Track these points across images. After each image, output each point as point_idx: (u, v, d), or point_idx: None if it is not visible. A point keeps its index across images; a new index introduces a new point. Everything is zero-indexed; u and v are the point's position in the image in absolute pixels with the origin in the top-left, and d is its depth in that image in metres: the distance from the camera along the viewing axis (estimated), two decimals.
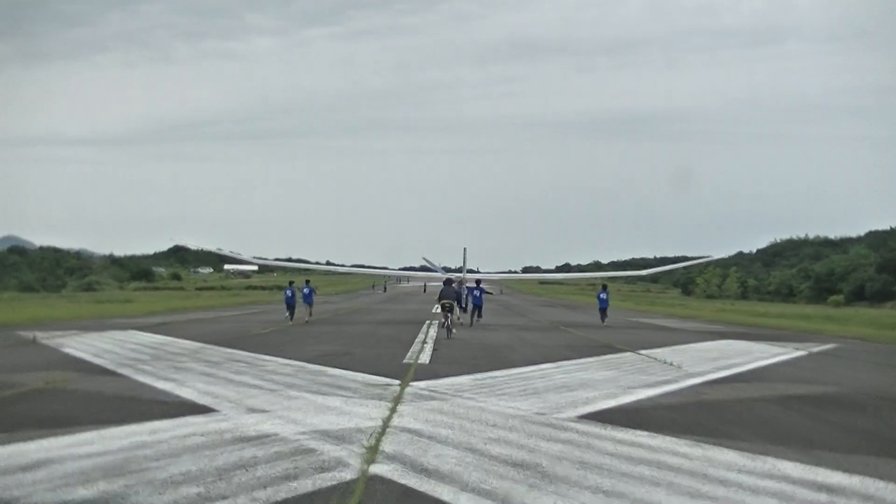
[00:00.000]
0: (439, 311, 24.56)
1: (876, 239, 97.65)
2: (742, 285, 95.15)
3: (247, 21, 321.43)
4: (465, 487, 5.88)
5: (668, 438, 7.94)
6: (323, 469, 6.34)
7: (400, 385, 11.58)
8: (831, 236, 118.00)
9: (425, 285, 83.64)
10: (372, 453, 6.90)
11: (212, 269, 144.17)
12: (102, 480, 5.90)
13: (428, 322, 29.60)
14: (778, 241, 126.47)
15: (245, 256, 57.98)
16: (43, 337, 20.13)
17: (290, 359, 15.28)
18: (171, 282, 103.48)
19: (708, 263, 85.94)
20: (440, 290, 24.96)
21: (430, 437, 7.67)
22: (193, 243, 64.42)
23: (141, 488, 5.71)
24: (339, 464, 6.52)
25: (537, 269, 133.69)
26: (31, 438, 7.37)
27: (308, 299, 30.63)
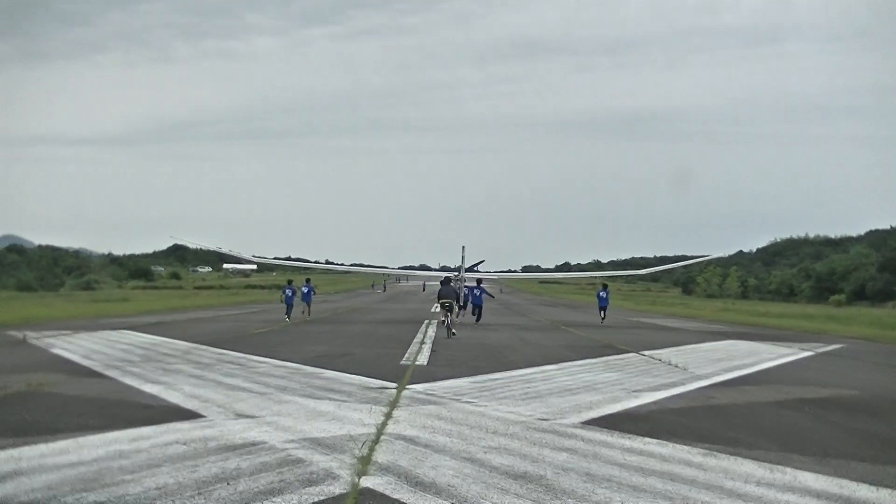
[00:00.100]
0: (439, 310, 24.14)
1: (876, 238, 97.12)
2: (742, 285, 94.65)
3: (247, 21, 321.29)
4: (463, 503, 5.44)
5: (679, 447, 7.49)
6: (310, 482, 5.88)
7: (396, 388, 11.12)
8: (831, 235, 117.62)
9: (424, 284, 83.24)
10: (364, 464, 6.44)
11: (211, 269, 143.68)
12: (70, 496, 5.44)
13: (427, 321, 29.14)
14: (778, 240, 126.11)
15: (244, 255, 57.51)
16: (33, 337, 19.67)
17: (284, 360, 14.82)
18: (170, 281, 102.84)
19: (708, 263, 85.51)
20: (438, 289, 24.53)
21: (426, 446, 7.22)
22: (192, 242, 63.97)
23: None
24: (329, 476, 6.06)
25: (537, 269, 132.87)
26: (1, 448, 6.91)
27: (307, 298, 30.30)
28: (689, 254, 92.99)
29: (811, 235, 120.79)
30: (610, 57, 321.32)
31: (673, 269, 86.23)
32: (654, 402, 10.45)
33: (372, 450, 6.98)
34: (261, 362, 14.51)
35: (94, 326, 24.19)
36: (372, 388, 11.21)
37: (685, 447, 7.47)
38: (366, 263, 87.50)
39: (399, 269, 68.47)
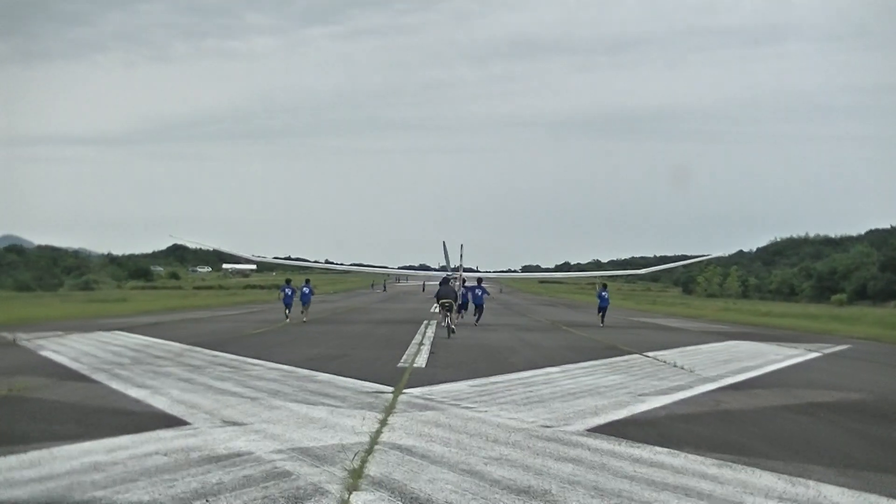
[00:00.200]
0: (438, 310, 23.72)
1: (877, 238, 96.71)
2: (743, 284, 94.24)
3: (247, 20, 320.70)
4: None
5: (691, 457, 7.04)
6: (297, 498, 5.44)
7: (393, 393, 10.68)
8: (832, 235, 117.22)
9: (424, 284, 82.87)
10: (355, 478, 5.99)
11: (210, 269, 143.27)
12: None
13: (426, 322, 28.69)
14: (778, 239, 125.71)
15: (244, 255, 57.08)
16: (24, 338, 19.23)
17: (278, 362, 14.38)
18: (170, 281, 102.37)
19: (708, 262, 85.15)
20: (437, 289, 24.11)
21: (422, 457, 6.78)
22: (192, 241, 63.60)
23: None
24: (316, 492, 5.62)
25: (537, 268, 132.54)
26: None
27: (306, 298, 29.86)
28: (689, 253, 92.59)
29: (811, 235, 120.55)
30: (609, 57, 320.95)
31: (673, 268, 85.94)
32: (662, 407, 10.02)
33: (364, 461, 6.54)
34: (255, 365, 14.07)
35: (89, 327, 23.73)
36: (367, 392, 10.77)
37: (698, 457, 7.03)
38: (365, 263, 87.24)
39: (399, 269, 68.12)
